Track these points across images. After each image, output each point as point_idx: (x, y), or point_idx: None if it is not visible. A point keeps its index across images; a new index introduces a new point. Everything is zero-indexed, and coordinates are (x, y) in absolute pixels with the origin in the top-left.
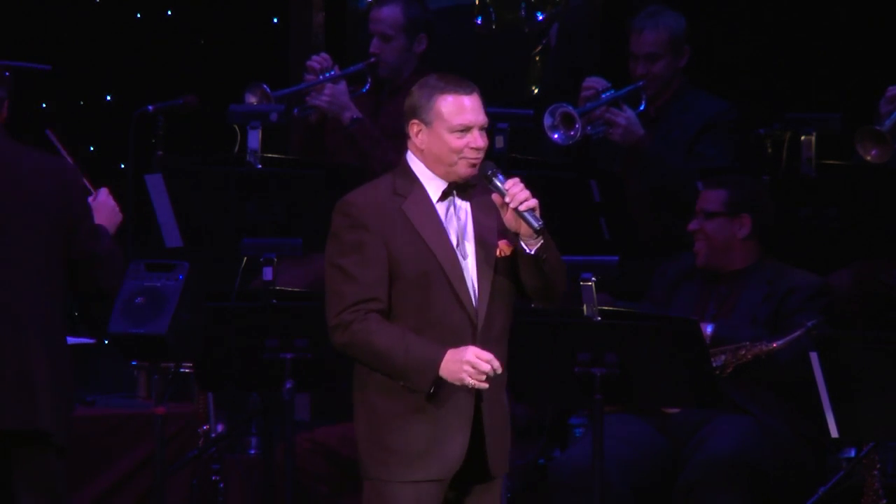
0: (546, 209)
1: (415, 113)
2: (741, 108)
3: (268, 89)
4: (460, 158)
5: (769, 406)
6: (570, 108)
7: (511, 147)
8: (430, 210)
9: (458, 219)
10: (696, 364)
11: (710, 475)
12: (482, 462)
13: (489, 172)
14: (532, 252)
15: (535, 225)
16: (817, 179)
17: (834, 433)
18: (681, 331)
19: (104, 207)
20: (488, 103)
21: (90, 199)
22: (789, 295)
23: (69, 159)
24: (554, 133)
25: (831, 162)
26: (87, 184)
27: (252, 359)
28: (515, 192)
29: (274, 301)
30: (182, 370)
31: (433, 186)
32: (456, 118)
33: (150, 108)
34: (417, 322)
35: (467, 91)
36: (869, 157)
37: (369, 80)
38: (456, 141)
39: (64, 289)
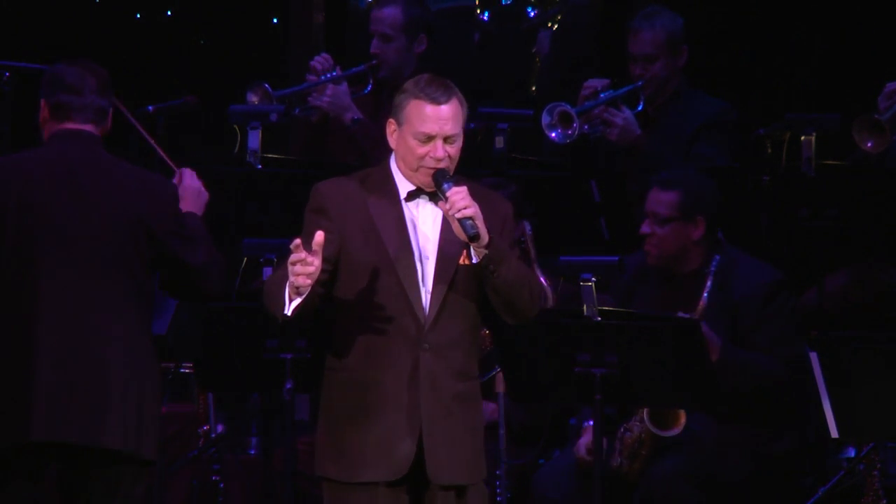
0: (546, 209)
1: (393, 111)
2: (741, 108)
3: (269, 89)
4: (420, 166)
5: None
6: (567, 108)
7: (511, 147)
8: (396, 208)
9: (423, 221)
10: (695, 364)
11: (662, 492)
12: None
13: (439, 179)
14: (475, 261)
15: (469, 231)
16: (817, 179)
17: (834, 433)
18: (681, 331)
19: (189, 190)
20: (488, 103)
21: (174, 179)
22: (741, 307)
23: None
24: (552, 131)
25: (831, 162)
26: (171, 163)
27: (252, 359)
28: (455, 200)
29: None
30: (182, 370)
31: (405, 187)
32: (420, 125)
33: (150, 108)
34: (361, 314)
35: (439, 100)
36: (865, 148)
37: (371, 81)
38: (418, 148)
39: (149, 300)
